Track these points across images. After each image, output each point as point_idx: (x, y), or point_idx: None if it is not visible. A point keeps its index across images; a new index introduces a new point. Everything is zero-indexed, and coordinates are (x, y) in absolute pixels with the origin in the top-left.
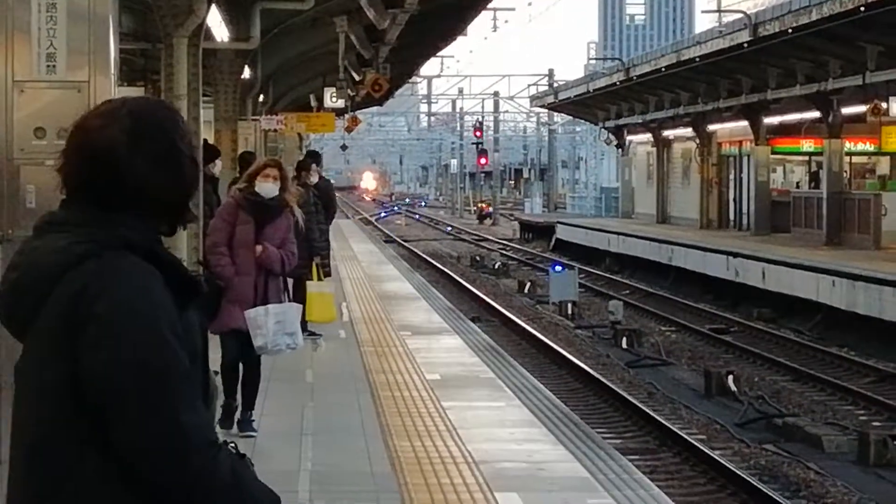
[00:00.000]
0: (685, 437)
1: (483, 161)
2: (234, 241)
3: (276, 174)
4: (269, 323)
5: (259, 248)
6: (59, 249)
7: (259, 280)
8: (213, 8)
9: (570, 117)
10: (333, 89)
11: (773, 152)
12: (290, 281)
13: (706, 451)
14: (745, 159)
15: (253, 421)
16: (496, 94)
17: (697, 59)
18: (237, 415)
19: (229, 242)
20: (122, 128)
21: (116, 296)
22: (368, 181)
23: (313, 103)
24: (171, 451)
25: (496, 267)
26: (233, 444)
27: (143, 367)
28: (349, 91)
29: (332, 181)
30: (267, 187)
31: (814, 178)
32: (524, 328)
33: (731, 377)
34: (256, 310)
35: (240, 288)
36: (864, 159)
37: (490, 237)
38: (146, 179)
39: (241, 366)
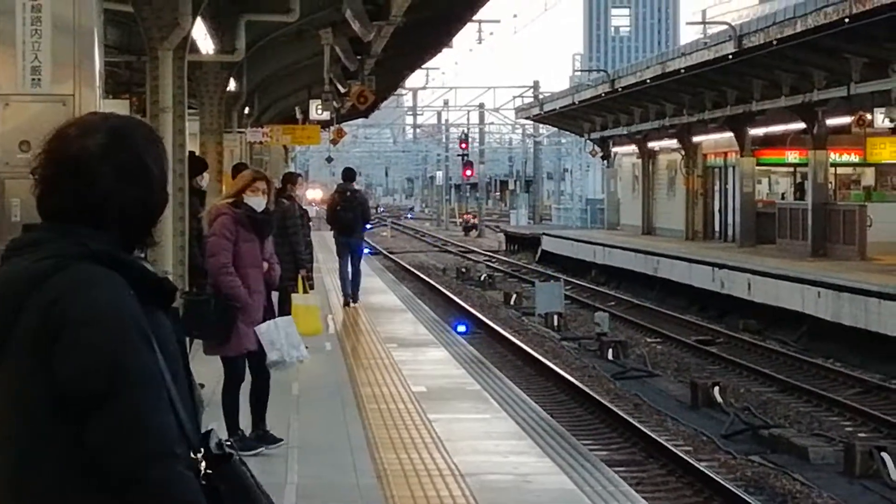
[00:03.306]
0: (671, 448)
1: (468, 173)
2: (239, 260)
3: (265, 187)
4: (282, 336)
5: (265, 265)
6: (24, 269)
7: (264, 297)
8: (199, 20)
9: (556, 129)
10: (319, 101)
11: (759, 163)
12: (274, 294)
13: (692, 462)
14: (730, 170)
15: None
16: (481, 105)
17: (682, 71)
18: (252, 431)
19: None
20: (97, 139)
21: (85, 305)
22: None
23: (299, 115)
24: (135, 456)
25: (482, 279)
26: (229, 441)
27: (110, 372)
28: (334, 103)
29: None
30: (257, 201)
31: (799, 190)
32: (510, 340)
33: (717, 388)
34: (267, 325)
35: (255, 308)
36: (849, 170)
37: (476, 249)
38: (112, 193)
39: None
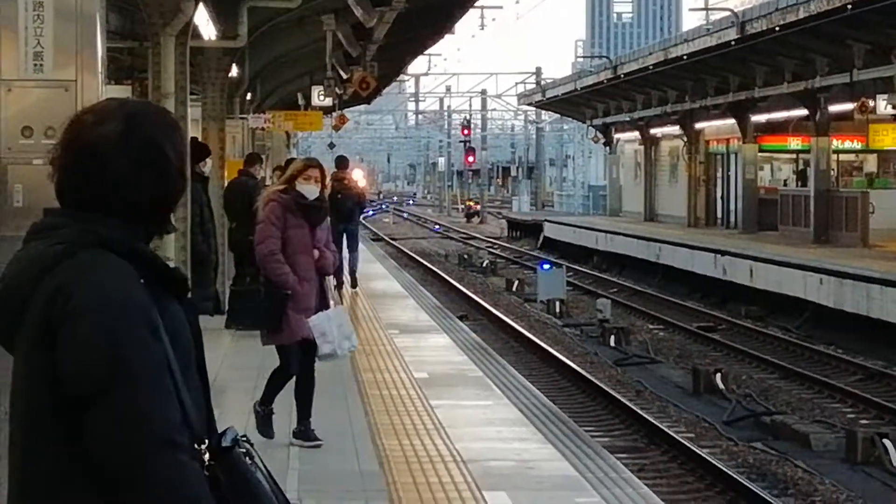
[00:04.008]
0: (673, 435)
1: (471, 159)
2: (288, 247)
3: (318, 175)
4: (334, 328)
5: (317, 252)
6: (36, 255)
7: (317, 285)
8: (201, 6)
9: (558, 115)
10: (321, 87)
11: (761, 150)
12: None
13: (694, 449)
14: (732, 157)
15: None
16: (484, 92)
17: (685, 57)
18: (296, 426)
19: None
20: (114, 127)
21: (87, 292)
22: (359, 179)
23: (301, 101)
24: (136, 451)
25: (484, 265)
26: (244, 437)
27: (114, 361)
28: (337, 89)
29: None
30: (310, 189)
31: (801, 176)
32: (512, 326)
33: (718, 375)
34: (319, 317)
35: (305, 295)
36: (851, 157)
37: (478, 235)
38: (129, 180)
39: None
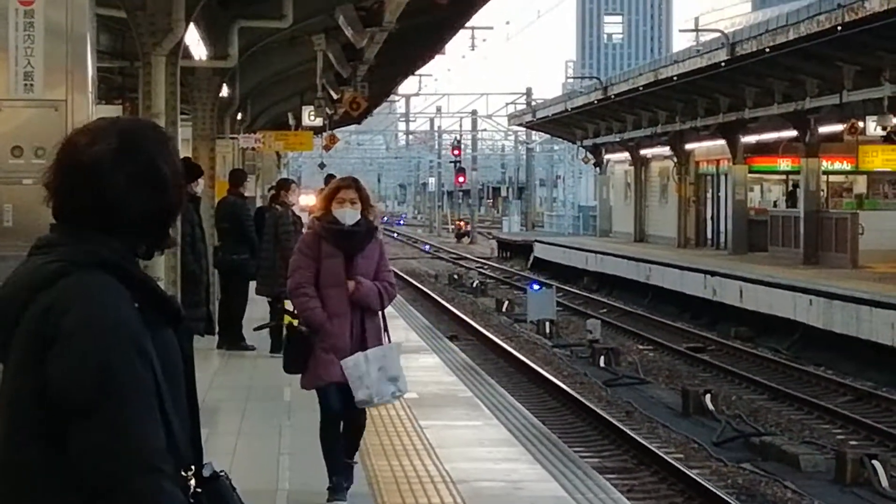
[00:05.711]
0: (663, 455)
1: (461, 179)
2: (320, 279)
3: (354, 196)
4: (372, 371)
5: (351, 283)
6: (33, 270)
7: (355, 321)
8: (192, 26)
9: (548, 136)
10: (311, 107)
11: (751, 171)
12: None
13: (684, 470)
14: (722, 178)
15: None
16: (474, 112)
17: (675, 78)
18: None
19: (315, 281)
20: (108, 145)
21: (80, 312)
22: None
23: (291, 122)
24: (119, 467)
25: (474, 285)
26: (223, 472)
27: (101, 381)
28: (327, 109)
29: None
30: (343, 213)
31: (791, 197)
32: (502, 347)
33: (708, 396)
34: (355, 358)
35: (335, 333)
36: (841, 178)
37: (468, 255)
38: (127, 198)
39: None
